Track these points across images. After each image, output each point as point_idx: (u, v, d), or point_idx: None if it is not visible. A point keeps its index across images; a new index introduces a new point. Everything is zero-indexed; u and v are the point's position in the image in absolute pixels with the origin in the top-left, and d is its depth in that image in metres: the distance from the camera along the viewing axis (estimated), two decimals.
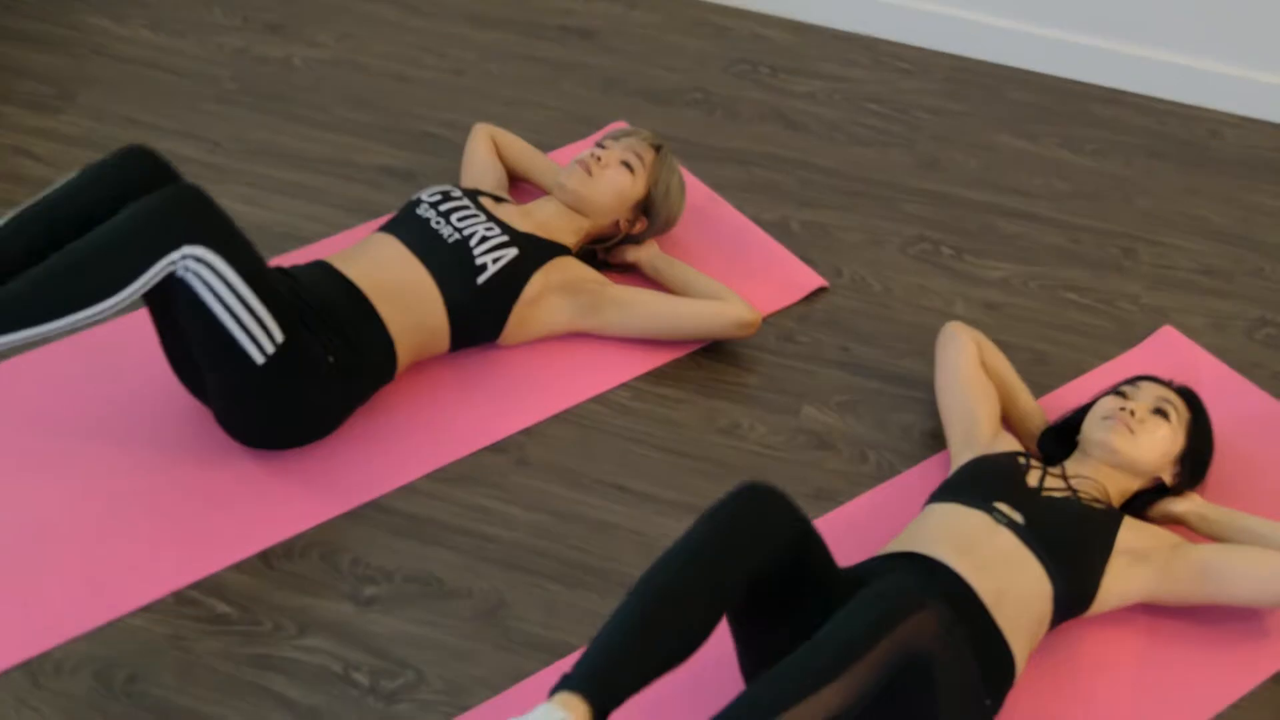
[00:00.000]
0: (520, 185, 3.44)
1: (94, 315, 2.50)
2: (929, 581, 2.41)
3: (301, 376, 2.70)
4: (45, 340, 2.95)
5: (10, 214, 2.62)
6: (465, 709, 2.47)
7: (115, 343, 2.99)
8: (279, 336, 2.62)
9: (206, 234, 2.54)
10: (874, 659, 2.07)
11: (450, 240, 2.94)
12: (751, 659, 2.37)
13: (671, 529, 2.77)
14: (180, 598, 2.60)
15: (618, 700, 2.06)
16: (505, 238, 2.97)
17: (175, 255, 2.51)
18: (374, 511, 2.76)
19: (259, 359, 2.62)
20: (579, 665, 2.08)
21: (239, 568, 2.65)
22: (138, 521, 2.70)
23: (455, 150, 3.55)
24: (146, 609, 2.58)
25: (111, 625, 2.55)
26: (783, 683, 2.05)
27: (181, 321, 2.62)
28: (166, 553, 2.65)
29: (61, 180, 2.68)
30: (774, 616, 2.30)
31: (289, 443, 2.81)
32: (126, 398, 2.89)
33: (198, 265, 2.53)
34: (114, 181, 2.65)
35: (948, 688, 2.17)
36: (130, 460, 2.79)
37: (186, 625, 2.56)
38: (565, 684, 2.06)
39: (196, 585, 2.62)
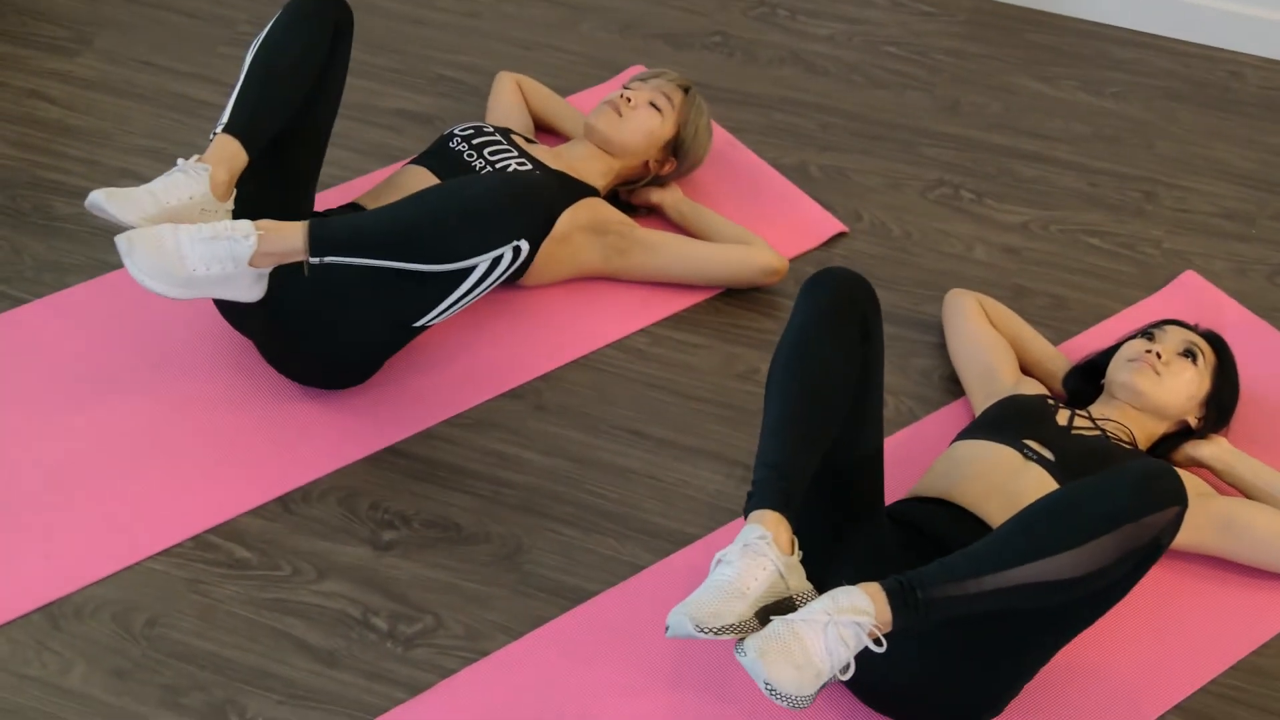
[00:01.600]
0: (544, 133, 3.42)
1: (426, 270, 2.54)
2: (955, 529, 2.42)
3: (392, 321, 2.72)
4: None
5: (239, 92, 2.70)
6: (484, 654, 2.48)
7: (135, 287, 2.97)
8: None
9: (534, 226, 2.56)
10: (1127, 534, 2.12)
11: (483, 174, 2.92)
12: None
13: (689, 474, 2.76)
14: (200, 542, 2.61)
15: (799, 492, 2.24)
16: (538, 173, 2.96)
17: (507, 248, 2.54)
18: (392, 456, 2.76)
19: (417, 324, 2.66)
20: (755, 483, 2.24)
21: (258, 512, 2.66)
22: (157, 466, 2.70)
23: (473, 94, 3.53)
24: (166, 553, 2.59)
25: (131, 569, 2.56)
26: (1029, 537, 2.14)
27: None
28: (186, 497, 2.66)
29: (264, 38, 2.74)
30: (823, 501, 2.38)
31: (330, 381, 2.82)
32: (145, 345, 2.89)
33: (510, 252, 2.55)
34: (316, 30, 2.74)
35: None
36: (150, 406, 2.79)
37: (206, 570, 2.57)
38: (751, 505, 2.22)
39: (216, 530, 2.62)
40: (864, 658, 2.15)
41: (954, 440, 2.65)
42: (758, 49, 3.77)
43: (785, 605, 2.17)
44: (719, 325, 3.04)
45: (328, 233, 2.53)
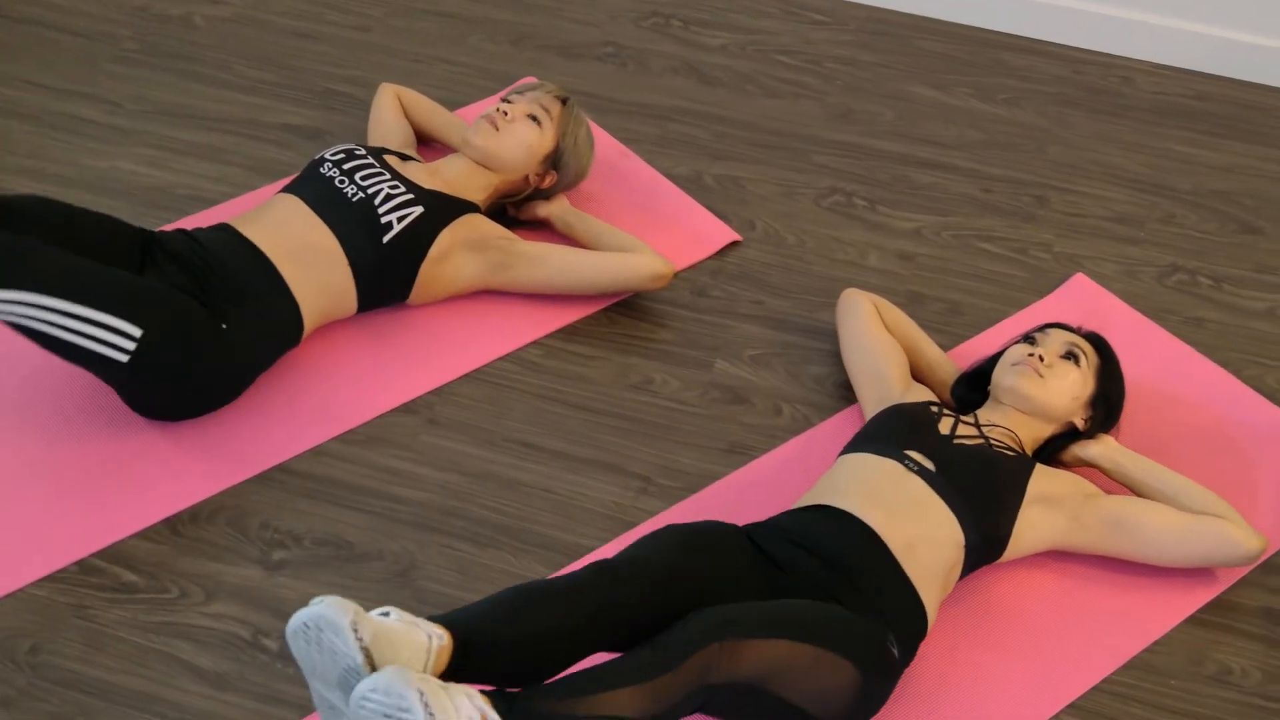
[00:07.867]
0: (428, 145, 3.40)
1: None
2: (839, 533, 2.41)
3: (190, 351, 2.66)
4: None
5: None
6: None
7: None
8: (134, 330, 2.59)
9: (11, 276, 2.52)
10: (679, 678, 2.10)
11: (354, 199, 2.89)
12: None
13: (584, 486, 2.75)
14: (84, 566, 2.56)
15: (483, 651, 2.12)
16: (410, 195, 2.93)
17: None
18: (282, 475, 2.73)
19: (124, 358, 2.60)
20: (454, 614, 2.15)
21: (145, 535, 2.62)
22: (39, 491, 2.65)
23: (362, 108, 3.50)
24: (50, 579, 2.54)
25: (13, 596, 2.51)
26: (591, 676, 2.10)
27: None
28: (70, 522, 2.61)
29: None
30: None
31: (193, 412, 2.77)
32: (26, 368, 2.84)
33: (10, 306, 2.52)
34: None
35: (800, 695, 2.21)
36: (31, 430, 2.74)
37: (91, 595, 2.52)
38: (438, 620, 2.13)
39: (101, 554, 2.58)
40: None
41: (839, 455, 2.64)
42: (650, 59, 3.76)
43: None
44: (612, 336, 3.03)
45: None
